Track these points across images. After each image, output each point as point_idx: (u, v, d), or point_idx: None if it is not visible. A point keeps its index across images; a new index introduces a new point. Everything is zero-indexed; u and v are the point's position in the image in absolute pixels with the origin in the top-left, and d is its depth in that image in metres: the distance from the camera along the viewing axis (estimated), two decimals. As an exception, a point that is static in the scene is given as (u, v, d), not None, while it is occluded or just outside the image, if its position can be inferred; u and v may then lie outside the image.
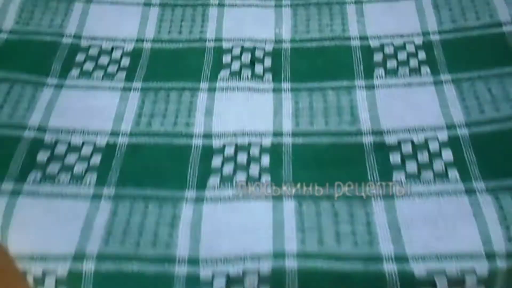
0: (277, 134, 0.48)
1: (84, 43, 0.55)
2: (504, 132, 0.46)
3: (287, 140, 0.48)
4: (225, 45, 0.55)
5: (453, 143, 0.46)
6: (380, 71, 0.52)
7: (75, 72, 0.53)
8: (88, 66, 0.53)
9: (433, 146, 0.46)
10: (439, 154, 0.46)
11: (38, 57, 0.54)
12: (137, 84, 0.52)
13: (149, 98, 0.51)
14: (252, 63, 0.53)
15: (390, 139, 0.47)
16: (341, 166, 0.46)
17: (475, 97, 0.49)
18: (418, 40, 0.55)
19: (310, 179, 0.44)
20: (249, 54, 0.54)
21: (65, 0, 0.59)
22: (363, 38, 0.55)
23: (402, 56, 0.53)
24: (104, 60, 0.54)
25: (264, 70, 0.53)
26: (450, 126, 0.47)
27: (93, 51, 0.55)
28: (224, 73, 0.53)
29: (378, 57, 0.54)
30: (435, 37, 0.55)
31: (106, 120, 0.49)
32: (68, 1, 0.59)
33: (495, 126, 0.47)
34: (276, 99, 0.51)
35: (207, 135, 0.48)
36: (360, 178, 0.44)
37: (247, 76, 0.52)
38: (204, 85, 0.52)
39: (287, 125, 0.49)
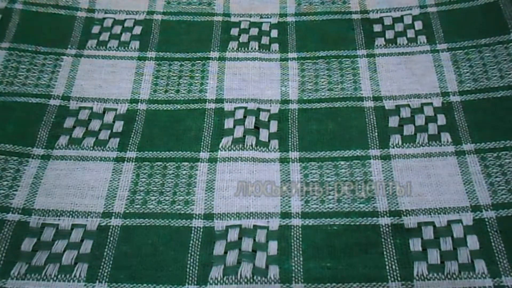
0: (285, 214, 0.44)
1: (73, 105, 0.51)
2: None
3: (297, 222, 0.44)
4: (227, 107, 0.51)
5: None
6: (396, 138, 0.48)
7: (63, 140, 0.48)
8: (78, 132, 0.49)
9: (457, 230, 0.42)
10: (463, 241, 0.42)
11: (23, 124, 0.49)
12: (132, 154, 0.48)
13: (144, 170, 0.47)
14: (256, 128, 0.49)
15: (410, 221, 0.43)
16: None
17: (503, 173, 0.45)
18: (437, 102, 0.50)
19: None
20: (253, 118, 0.50)
21: (53, 53, 0.54)
22: (377, 98, 0.51)
23: (420, 120, 0.49)
24: (95, 125, 0.50)
25: (270, 137, 0.49)
26: (475, 209, 0.43)
27: (83, 115, 0.50)
28: (226, 140, 0.48)
29: (393, 121, 0.49)
30: (455, 98, 0.50)
31: (97, 198, 0.45)
32: (56, 55, 0.54)
33: None
34: (283, 172, 0.46)
35: (208, 216, 0.44)
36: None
37: (251, 144, 0.48)
38: (204, 155, 0.48)
39: (296, 203, 0.45)
